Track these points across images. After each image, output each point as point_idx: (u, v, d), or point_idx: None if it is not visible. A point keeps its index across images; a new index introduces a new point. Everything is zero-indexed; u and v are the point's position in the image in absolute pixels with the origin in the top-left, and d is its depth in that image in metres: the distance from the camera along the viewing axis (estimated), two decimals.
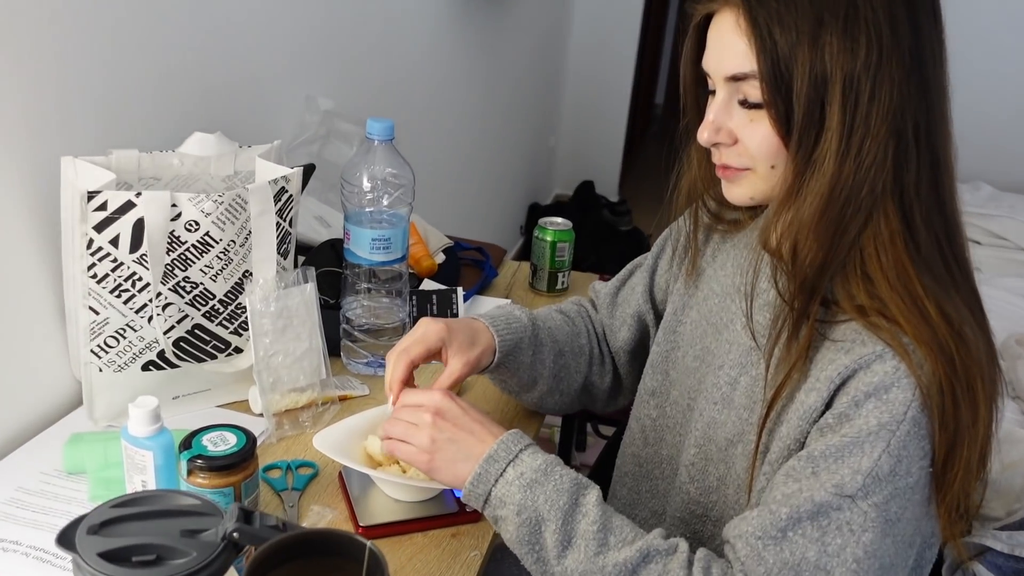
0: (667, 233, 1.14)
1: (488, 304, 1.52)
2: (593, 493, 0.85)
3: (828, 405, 0.81)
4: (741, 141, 0.84)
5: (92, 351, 1.03)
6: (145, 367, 1.07)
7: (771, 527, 0.77)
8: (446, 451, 0.87)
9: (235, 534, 0.67)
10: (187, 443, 0.91)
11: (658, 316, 1.13)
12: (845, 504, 0.76)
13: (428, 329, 0.96)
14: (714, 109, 0.85)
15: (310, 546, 0.68)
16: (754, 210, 0.99)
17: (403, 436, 0.89)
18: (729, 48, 0.81)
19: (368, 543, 0.66)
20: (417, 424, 0.89)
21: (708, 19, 0.85)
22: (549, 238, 1.54)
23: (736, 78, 0.82)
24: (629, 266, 1.20)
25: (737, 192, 0.89)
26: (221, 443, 0.91)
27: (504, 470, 0.84)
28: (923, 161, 0.79)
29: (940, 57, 0.80)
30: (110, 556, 0.65)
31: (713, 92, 0.86)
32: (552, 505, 0.82)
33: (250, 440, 0.93)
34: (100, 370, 1.05)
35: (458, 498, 1.00)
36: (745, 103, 0.82)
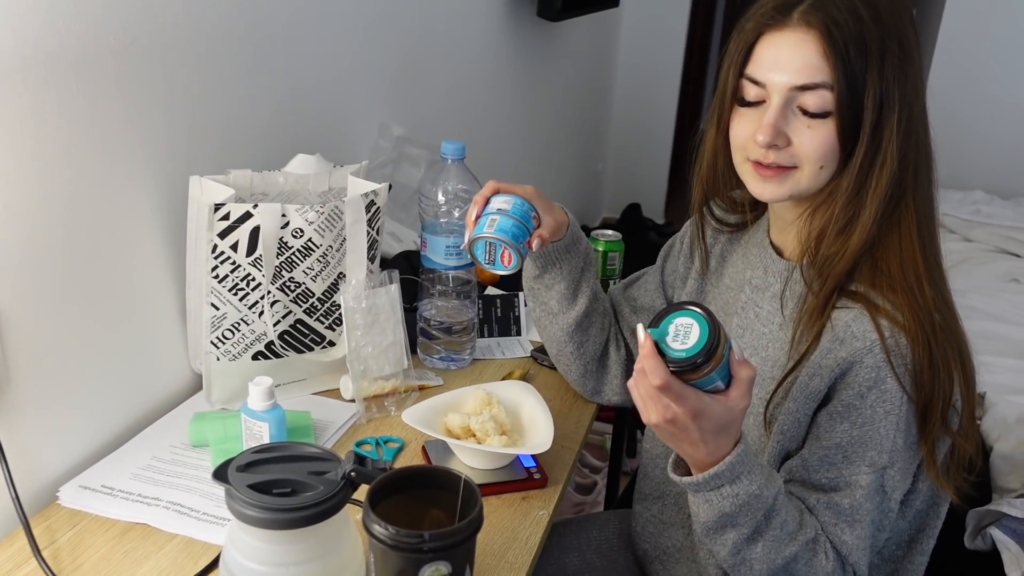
0: (673, 238, 1.32)
1: None
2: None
3: (831, 390, 0.96)
4: (794, 144, 0.94)
5: (212, 342, 1.21)
6: (255, 357, 1.24)
7: (842, 516, 0.95)
8: (704, 447, 0.86)
9: (352, 473, 0.83)
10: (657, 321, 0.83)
11: None
12: (884, 474, 0.94)
13: (522, 184, 1.13)
14: (773, 114, 0.93)
15: (414, 479, 0.83)
16: (757, 213, 1.16)
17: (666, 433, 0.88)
18: (800, 60, 0.91)
19: (463, 475, 0.81)
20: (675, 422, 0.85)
21: (758, 35, 0.95)
22: (601, 248, 1.67)
23: (804, 88, 0.92)
24: (639, 271, 1.36)
25: (777, 190, 0.97)
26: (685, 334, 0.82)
27: (721, 486, 0.89)
28: (925, 168, 0.97)
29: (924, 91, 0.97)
30: (256, 488, 0.80)
31: (748, 103, 0.97)
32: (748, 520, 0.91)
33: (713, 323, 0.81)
34: (218, 359, 1.22)
35: (527, 467, 1.15)
36: (805, 112, 0.93)
